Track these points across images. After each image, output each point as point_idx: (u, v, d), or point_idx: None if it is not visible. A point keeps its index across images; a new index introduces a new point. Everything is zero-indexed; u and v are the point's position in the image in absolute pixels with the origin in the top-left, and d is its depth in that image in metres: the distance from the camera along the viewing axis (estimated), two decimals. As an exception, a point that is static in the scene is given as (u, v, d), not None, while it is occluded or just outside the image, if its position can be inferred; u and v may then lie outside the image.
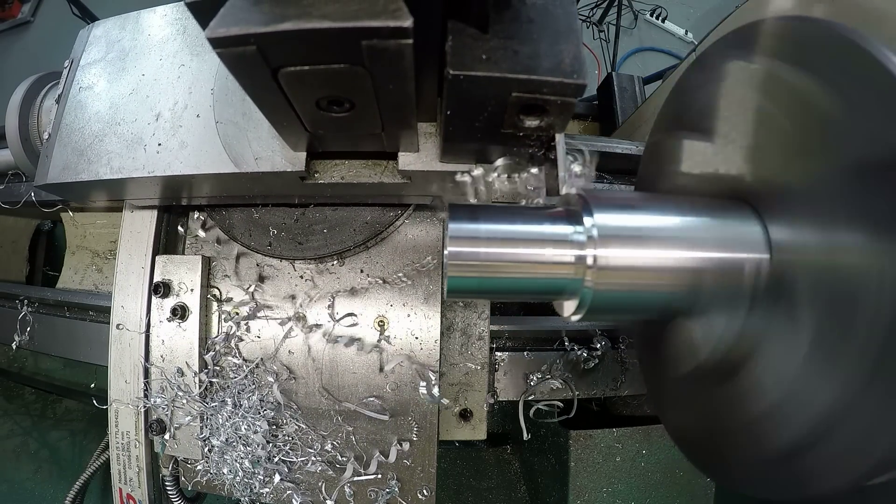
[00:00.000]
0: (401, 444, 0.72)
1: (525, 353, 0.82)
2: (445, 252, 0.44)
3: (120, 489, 0.77)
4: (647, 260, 0.44)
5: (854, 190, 0.36)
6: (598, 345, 0.81)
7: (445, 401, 0.74)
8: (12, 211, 1.03)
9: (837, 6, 0.63)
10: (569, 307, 0.49)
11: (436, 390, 0.72)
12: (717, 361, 0.50)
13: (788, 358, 0.42)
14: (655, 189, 0.63)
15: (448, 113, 0.42)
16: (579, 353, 0.81)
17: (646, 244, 0.45)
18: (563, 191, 0.47)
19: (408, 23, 0.30)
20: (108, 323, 0.75)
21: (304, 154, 0.54)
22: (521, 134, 0.44)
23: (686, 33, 2.99)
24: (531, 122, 0.43)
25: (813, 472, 0.39)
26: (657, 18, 3.05)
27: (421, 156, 0.54)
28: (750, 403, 0.46)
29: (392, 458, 0.71)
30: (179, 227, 0.78)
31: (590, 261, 0.44)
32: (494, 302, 0.83)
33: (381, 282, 0.74)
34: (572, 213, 0.47)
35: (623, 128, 1.34)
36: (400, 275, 0.74)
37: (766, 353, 0.44)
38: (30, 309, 0.95)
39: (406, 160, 0.54)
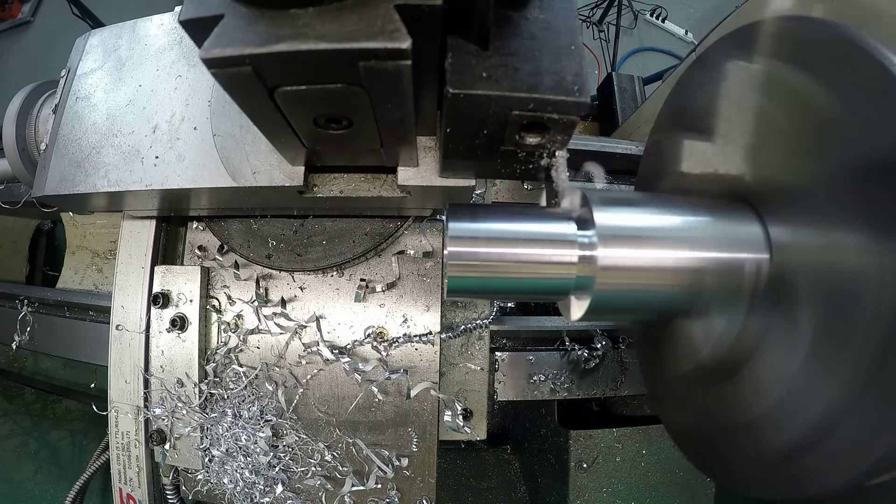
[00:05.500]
0: (399, 460, 0.72)
1: (525, 353, 0.83)
2: (445, 252, 0.44)
3: (120, 489, 0.77)
4: (647, 260, 0.44)
5: (854, 190, 0.36)
6: (599, 345, 0.81)
7: (468, 429, 0.75)
8: (12, 211, 1.03)
9: (837, 6, 0.63)
10: (570, 307, 0.49)
11: (460, 419, 0.72)
12: (717, 361, 0.50)
13: (788, 358, 0.42)
14: (655, 189, 0.63)
15: (448, 130, 0.41)
16: (580, 353, 0.81)
17: (646, 244, 0.45)
18: (564, 205, 0.47)
19: (406, 44, 0.29)
20: (108, 323, 0.75)
21: (303, 168, 0.54)
22: (522, 152, 0.44)
23: (686, 33, 2.99)
24: (532, 140, 0.42)
25: (812, 472, 0.39)
26: (657, 18, 3.05)
27: (420, 170, 0.53)
28: (750, 403, 0.46)
29: (390, 474, 0.71)
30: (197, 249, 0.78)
31: (590, 261, 0.44)
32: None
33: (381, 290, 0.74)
34: (573, 212, 0.47)
35: (623, 128, 1.34)
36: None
37: (766, 352, 0.44)
38: (30, 309, 0.95)
39: (405, 175, 0.53)
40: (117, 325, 0.74)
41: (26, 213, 1.24)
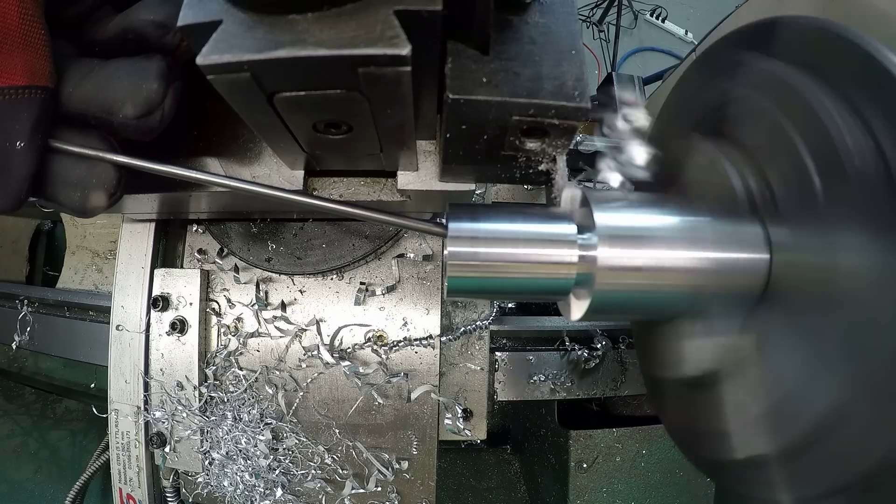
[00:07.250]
0: (399, 463, 0.72)
1: (525, 353, 0.83)
2: (445, 252, 0.44)
3: (120, 489, 0.77)
4: (647, 260, 0.44)
5: (854, 190, 0.36)
6: (599, 345, 0.81)
7: (469, 432, 0.75)
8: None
9: (837, 6, 0.63)
10: (570, 307, 0.49)
11: (460, 422, 0.72)
12: (716, 361, 0.50)
13: (788, 358, 0.42)
14: (655, 189, 0.63)
15: (447, 135, 0.41)
16: (580, 353, 0.81)
17: (646, 244, 0.45)
18: (564, 205, 0.47)
19: (406, 50, 0.29)
20: (108, 323, 0.75)
21: (302, 172, 0.54)
22: (522, 156, 0.44)
23: (686, 33, 3.00)
24: (532, 145, 0.42)
25: (811, 474, 0.39)
26: (657, 18, 3.05)
27: (420, 175, 0.53)
28: (749, 404, 0.46)
29: (390, 476, 0.72)
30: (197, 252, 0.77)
31: (590, 261, 0.44)
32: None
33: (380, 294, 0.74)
34: (573, 212, 0.47)
35: (623, 128, 1.34)
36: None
37: (766, 353, 0.44)
38: (30, 309, 0.94)
39: (405, 179, 0.53)
40: (117, 325, 0.74)
41: (26, 213, 1.24)
